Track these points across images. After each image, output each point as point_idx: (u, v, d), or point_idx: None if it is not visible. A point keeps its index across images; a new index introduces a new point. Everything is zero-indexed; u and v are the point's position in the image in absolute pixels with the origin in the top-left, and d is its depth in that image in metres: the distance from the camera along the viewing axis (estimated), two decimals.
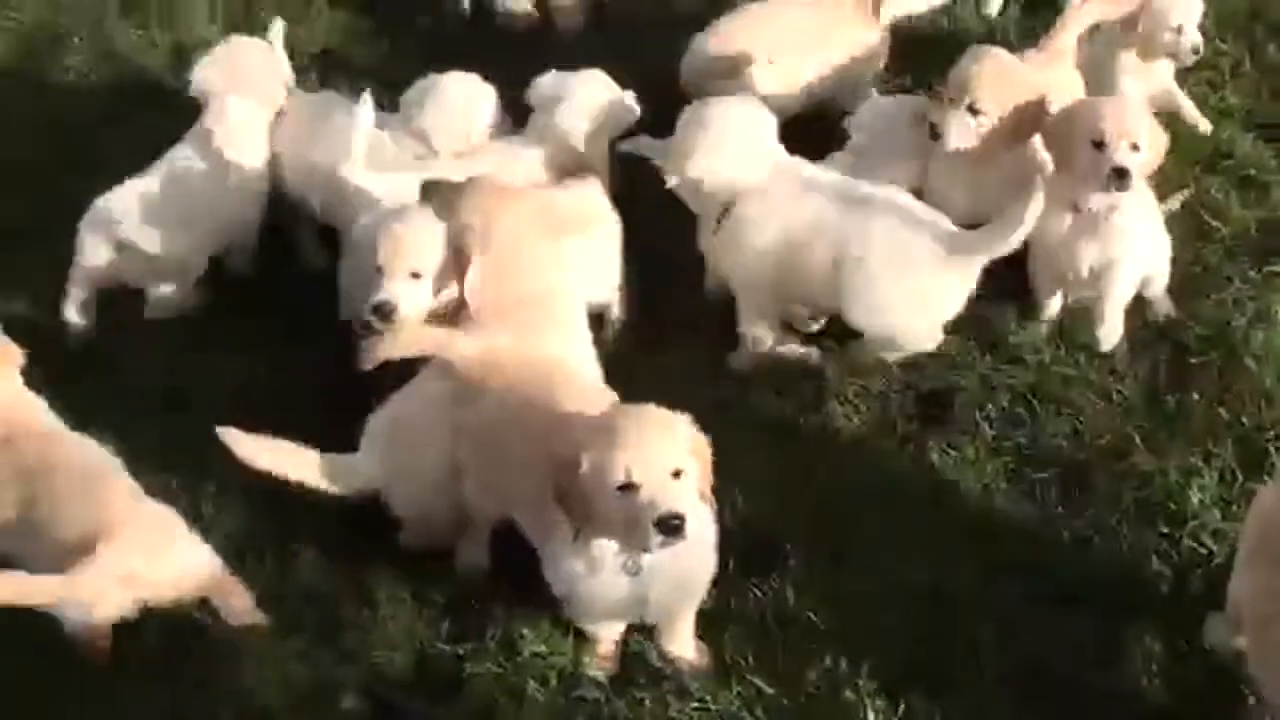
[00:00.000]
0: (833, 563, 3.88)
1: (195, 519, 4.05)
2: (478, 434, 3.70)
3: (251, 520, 4.07)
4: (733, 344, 4.44)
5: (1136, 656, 3.63)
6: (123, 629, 3.73)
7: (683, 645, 3.65)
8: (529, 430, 3.48)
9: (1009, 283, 4.43)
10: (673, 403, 3.29)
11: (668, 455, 3.17)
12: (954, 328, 4.38)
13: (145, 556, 3.62)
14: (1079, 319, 4.42)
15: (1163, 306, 4.46)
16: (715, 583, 3.61)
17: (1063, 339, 4.39)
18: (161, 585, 3.70)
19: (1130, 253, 4.28)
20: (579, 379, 3.75)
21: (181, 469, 4.15)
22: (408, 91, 4.79)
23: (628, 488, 3.14)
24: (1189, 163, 4.81)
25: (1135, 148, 4.10)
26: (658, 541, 3.15)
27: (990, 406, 4.23)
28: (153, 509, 3.74)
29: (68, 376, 4.27)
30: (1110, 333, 4.37)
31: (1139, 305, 4.43)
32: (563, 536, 3.34)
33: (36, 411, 3.95)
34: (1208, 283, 4.50)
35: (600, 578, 3.36)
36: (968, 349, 4.38)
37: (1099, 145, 4.09)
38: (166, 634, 3.80)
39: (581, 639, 3.66)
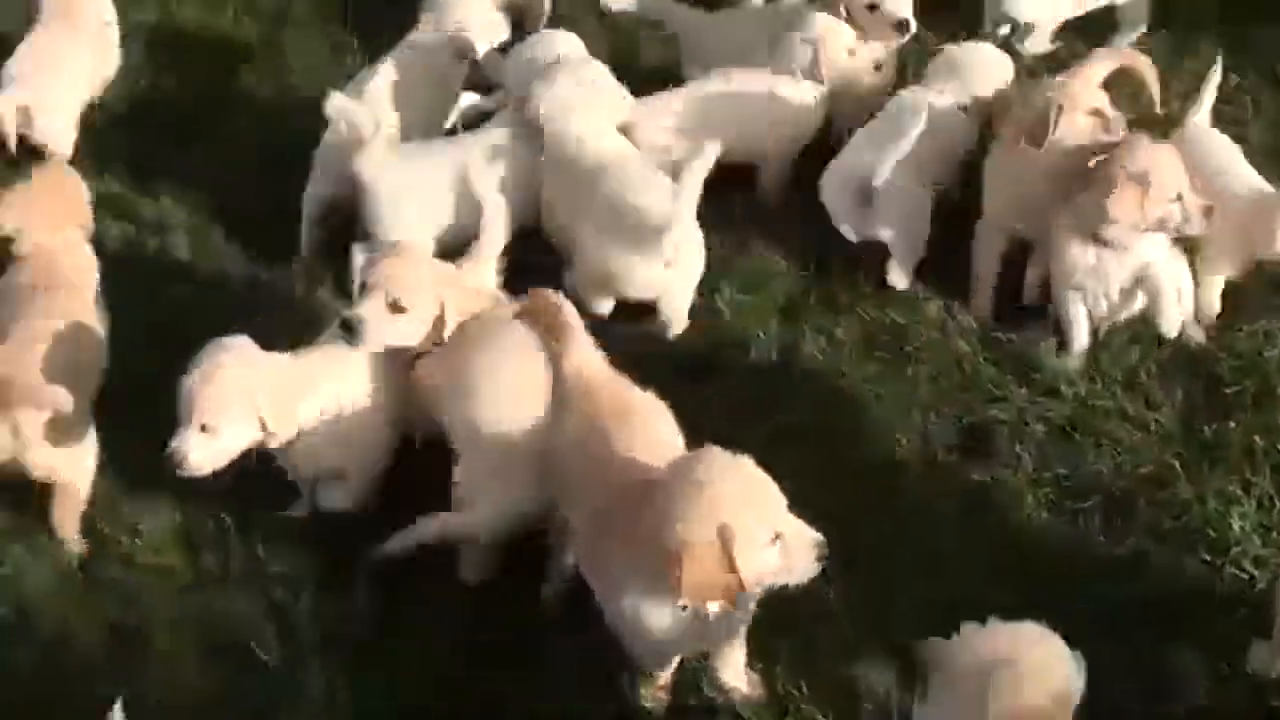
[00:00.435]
0: (877, 588, 3.92)
1: (249, 555, 4.15)
2: (563, 462, 3.74)
3: (296, 560, 4.14)
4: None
5: (1178, 679, 3.68)
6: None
7: (736, 675, 3.70)
8: (614, 489, 3.51)
9: (1040, 317, 4.58)
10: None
11: (776, 490, 3.32)
12: (990, 361, 4.49)
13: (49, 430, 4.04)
14: (1112, 351, 4.49)
15: (1194, 334, 4.52)
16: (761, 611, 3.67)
17: (1098, 371, 4.45)
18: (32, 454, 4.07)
19: (1156, 255, 4.38)
20: (656, 411, 3.77)
21: (233, 503, 4.24)
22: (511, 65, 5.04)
23: (776, 538, 3.27)
24: None
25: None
26: (817, 569, 3.33)
27: (1029, 439, 4.29)
28: (84, 408, 4.15)
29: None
30: (1171, 322, 4.46)
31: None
32: (643, 592, 3.37)
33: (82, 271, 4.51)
34: (1239, 315, 4.56)
35: (687, 626, 3.40)
36: (1004, 383, 4.44)
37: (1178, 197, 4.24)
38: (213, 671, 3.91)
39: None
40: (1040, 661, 3.01)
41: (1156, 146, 4.35)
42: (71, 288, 4.42)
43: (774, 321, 4.71)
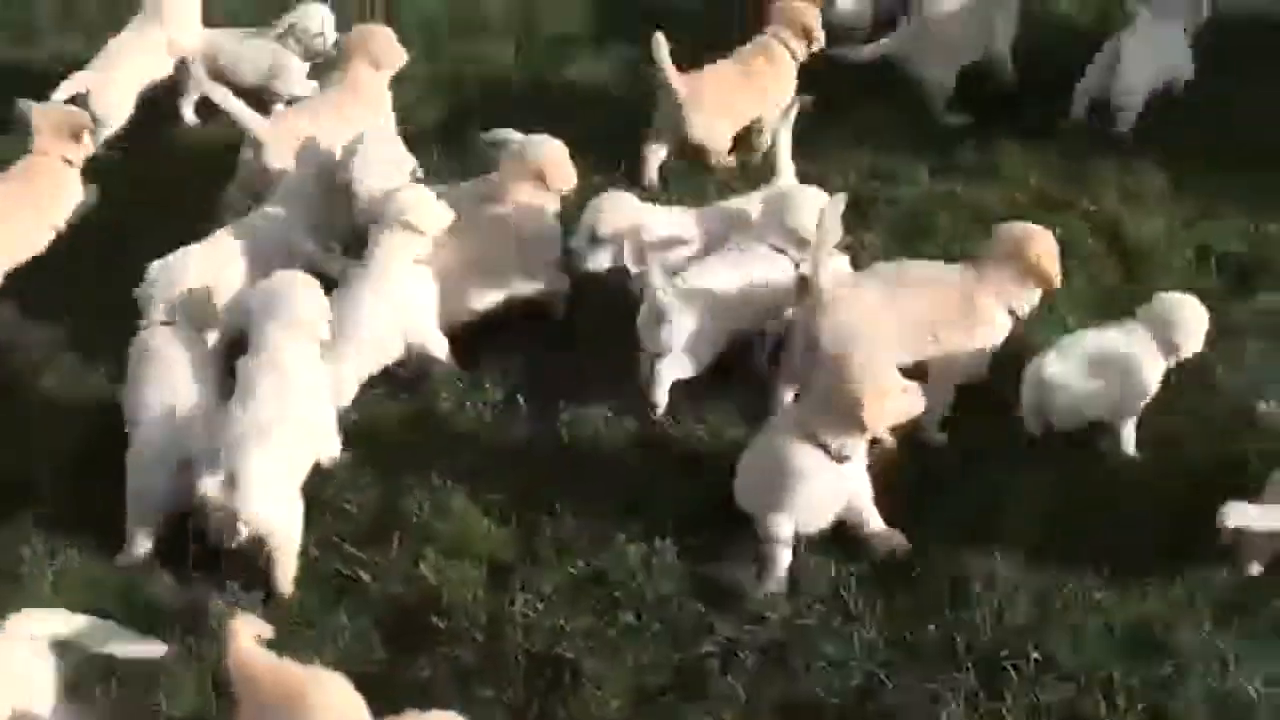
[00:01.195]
0: None
1: None
2: None
3: None
4: None
5: None
6: None
7: None
8: None
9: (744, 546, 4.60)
10: None
11: None
12: (694, 594, 4.51)
13: None
14: (810, 569, 4.55)
15: (894, 542, 4.63)
16: None
17: (798, 591, 4.51)
18: None
19: (859, 478, 4.56)
20: (330, 685, 3.86)
21: None
22: None
23: None
24: None
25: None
26: None
27: (741, 669, 4.28)
28: None
29: None
30: (890, 535, 4.61)
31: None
32: None
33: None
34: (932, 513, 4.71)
35: None
36: (711, 615, 4.44)
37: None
38: None
39: None
40: None
41: (867, 354, 4.53)
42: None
43: (480, 588, 4.60)
